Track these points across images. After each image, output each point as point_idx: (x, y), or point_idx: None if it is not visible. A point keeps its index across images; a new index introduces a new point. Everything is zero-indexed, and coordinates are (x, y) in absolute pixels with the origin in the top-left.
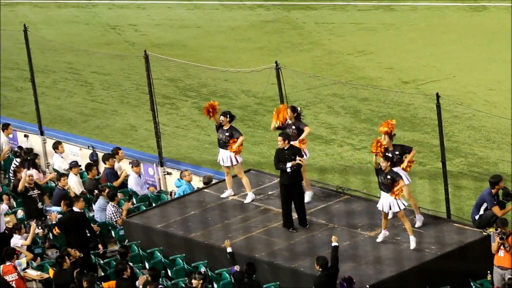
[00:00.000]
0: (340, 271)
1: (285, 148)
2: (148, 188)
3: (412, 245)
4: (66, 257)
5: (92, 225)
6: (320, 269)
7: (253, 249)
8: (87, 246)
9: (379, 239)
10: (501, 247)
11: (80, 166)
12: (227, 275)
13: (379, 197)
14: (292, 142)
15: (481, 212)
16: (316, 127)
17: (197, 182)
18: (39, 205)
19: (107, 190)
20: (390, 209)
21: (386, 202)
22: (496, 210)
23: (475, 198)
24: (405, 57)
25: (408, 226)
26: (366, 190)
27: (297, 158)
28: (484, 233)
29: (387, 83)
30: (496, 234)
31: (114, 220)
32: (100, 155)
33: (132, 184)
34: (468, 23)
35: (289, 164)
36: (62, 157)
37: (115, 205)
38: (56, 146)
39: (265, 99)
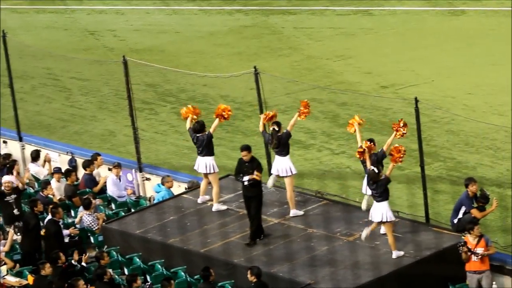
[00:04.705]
0: (318, 276)
1: (247, 161)
2: (126, 190)
3: (395, 255)
4: (47, 264)
5: (71, 228)
6: (255, 279)
7: (231, 254)
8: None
9: (363, 235)
10: (471, 254)
11: (62, 172)
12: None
13: (358, 202)
14: None
15: (460, 215)
16: (295, 132)
17: (176, 188)
18: (15, 211)
19: (84, 197)
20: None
21: (379, 211)
22: (475, 212)
23: (453, 202)
24: (384, 61)
25: (391, 240)
26: (345, 195)
27: (255, 172)
28: (462, 237)
29: (365, 88)
30: (459, 245)
31: (94, 228)
32: (79, 161)
33: (110, 184)
34: (446, 27)
35: (246, 178)
36: (38, 166)
37: (90, 213)
38: (36, 156)
39: (244, 104)
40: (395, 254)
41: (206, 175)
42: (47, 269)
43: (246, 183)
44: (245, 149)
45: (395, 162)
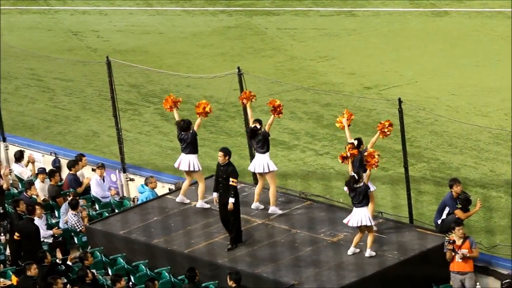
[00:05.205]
0: (303, 277)
1: (222, 164)
2: (110, 190)
3: (367, 253)
4: (34, 265)
5: (55, 229)
6: (234, 285)
7: (215, 254)
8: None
9: (349, 253)
10: (454, 254)
11: (46, 172)
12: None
13: (342, 202)
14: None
15: (444, 216)
16: (279, 132)
17: (160, 189)
18: (0, 209)
19: (70, 198)
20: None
21: (357, 217)
22: (458, 213)
23: (437, 203)
24: (367, 62)
25: (371, 240)
26: (328, 196)
27: (231, 179)
28: (446, 238)
29: (349, 89)
30: (446, 242)
31: (78, 229)
32: (63, 161)
33: (94, 185)
34: (430, 29)
35: (231, 200)
36: (22, 166)
37: (76, 214)
38: (20, 157)
39: (228, 105)
40: (368, 252)
41: (188, 173)
42: (33, 270)
43: (232, 201)
44: (221, 150)
45: (371, 167)
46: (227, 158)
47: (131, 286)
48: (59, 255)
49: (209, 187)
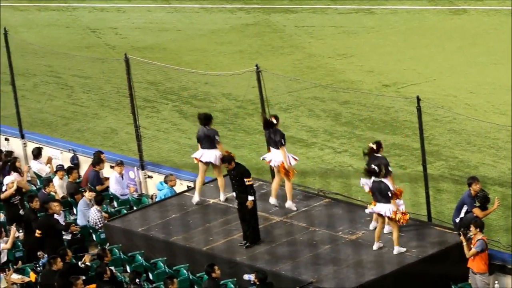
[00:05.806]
0: (321, 275)
1: (232, 169)
2: (129, 188)
3: (396, 251)
4: (59, 258)
5: (72, 225)
6: (258, 283)
7: (234, 252)
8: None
9: (375, 248)
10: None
11: (64, 170)
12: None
13: (360, 200)
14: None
15: (462, 215)
16: (297, 130)
17: (179, 186)
18: (21, 211)
19: (95, 194)
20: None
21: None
22: (477, 211)
23: (455, 201)
24: (386, 60)
25: (396, 235)
26: (347, 193)
27: (245, 179)
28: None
29: (367, 86)
30: (464, 231)
31: (99, 225)
32: (81, 158)
33: (113, 182)
34: (448, 26)
35: (251, 198)
36: (40, 163)
37: (100, 209)
38: (38, 154)
39: (246, 102)
40: (396, 249)
41: (205, 170)
42: (58, 264)
43: (251, 198)
44: (223, 162)
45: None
46: (232, 163)
47: (138, 282)
48: (86, 259)
49: (226, 185)
